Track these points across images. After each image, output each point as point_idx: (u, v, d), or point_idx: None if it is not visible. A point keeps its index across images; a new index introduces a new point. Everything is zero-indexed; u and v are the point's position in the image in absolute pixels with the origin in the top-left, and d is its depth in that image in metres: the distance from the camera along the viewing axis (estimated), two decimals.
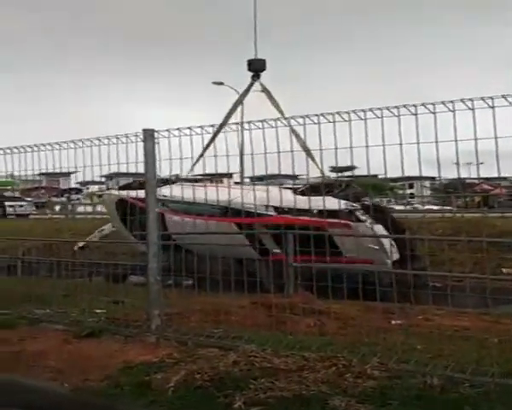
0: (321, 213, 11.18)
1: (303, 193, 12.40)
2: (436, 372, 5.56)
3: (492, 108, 5.93)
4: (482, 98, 5.97)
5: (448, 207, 33.54)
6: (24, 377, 5.67)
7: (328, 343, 6.68)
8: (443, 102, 6.18)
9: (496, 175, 7.49)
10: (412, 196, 78.88)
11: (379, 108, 6.52)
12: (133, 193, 13.21)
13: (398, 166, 6.86)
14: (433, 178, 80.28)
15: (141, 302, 8.49)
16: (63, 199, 53.81)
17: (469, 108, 5.99)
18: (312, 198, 10.51)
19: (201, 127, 8.17)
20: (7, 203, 44.02)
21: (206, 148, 11.59)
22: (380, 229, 13.21)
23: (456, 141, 6.23)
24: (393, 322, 7.95)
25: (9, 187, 36.01)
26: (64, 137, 9.05)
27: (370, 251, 12.97)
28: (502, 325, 7.92)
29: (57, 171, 9.58)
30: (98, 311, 8.75)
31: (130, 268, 13.96)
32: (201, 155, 11.92)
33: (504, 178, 43.21)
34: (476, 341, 6.86)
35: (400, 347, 6.38)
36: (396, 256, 13.54)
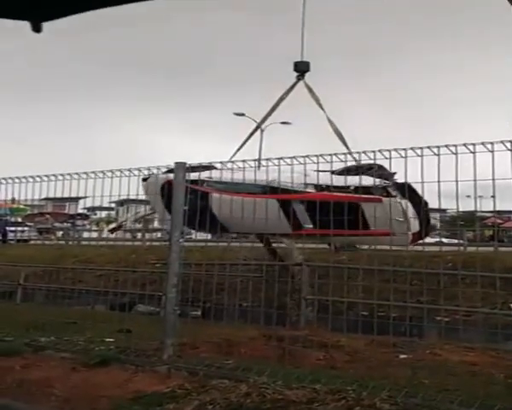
0: (356, 189, 13.63)
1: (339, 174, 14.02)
2: (443, 407, 5.65)
3: (492, 151, 6.34)
4: (483, 143, 6.36)
5: (458, 241, 33.57)
6: (23, 404, 5.75)
7: (338, 377, 6.75)
8: (464, 145, 6.74)
9: (507, 209, 7.68)
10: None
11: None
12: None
13: None
14: (443, 211, 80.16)
15: (150, 332, 8.56)
16: (67, 225, 53.52)
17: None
18: (348, 177, 12.99)
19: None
20: (8, 228, 43.85)
21: (248, 137, 17.22)
22: (406, 203, 14.52)
23: (475, 181, 6.69)
24: (401, 356, 8.03)
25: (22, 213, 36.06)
26: (87, 164, 9.28)
27: (395, 223, 14.16)
28: (508, 361, 7.98)
29: (65, 196, 9.80)
30: (107, 339, 8.80)
31: (137, 297, 14.08)
32: (244, 144, 17.05)
33: None
34: (483, 376, 6.94)
35: (408, 381, 6.46)
36: (417, 228, 15.44)
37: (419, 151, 6.97)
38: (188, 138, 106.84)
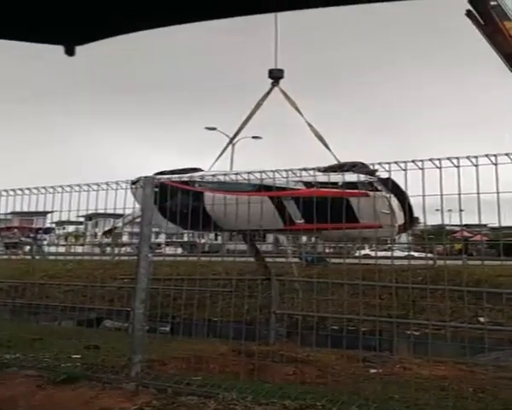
0: (345, 184, 14.49)
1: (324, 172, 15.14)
2: None
3: (476, 166, 6.41)
4: (468, 157, 6.42)
5: (429, 255, 33.77)
6: None
7: (307, 392, 6.70)
8: (449, 158, 6.76)
9: (476, 222, 7.74)
10: (394, 241, 79.19)
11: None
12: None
13: None
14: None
15: (117, 348, 8.45)
16: (28, 239, 53.01)
17: (437, 167, 6.53)
18: (337, 174, 14.40)
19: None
20: None
21: (226, 147, 19.06)
22: (392, 197, 15.88)
23: (441, 195, 6.71)
24: (372, 371, 7.99)
25: None
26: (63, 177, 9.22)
27: (382, 216, 15.33)
28: (477, 375, 7.98)
29: (32, 210, 9.70)
30: (73, 356, 8.65)
31: (105, 313, 13.95)
32: (221, 154, 18.66)
33: (484, 226, 43.48)
34: (452, 390, 6.92)
35: (378, 396, 6.42)
36: (402, 220, 16.42)
37: (403, 165, 7.01)
38: (159, 153, 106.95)
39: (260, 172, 9.44)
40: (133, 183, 17.61)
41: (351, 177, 15.89)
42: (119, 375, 7.59)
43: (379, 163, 7.25)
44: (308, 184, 16.30)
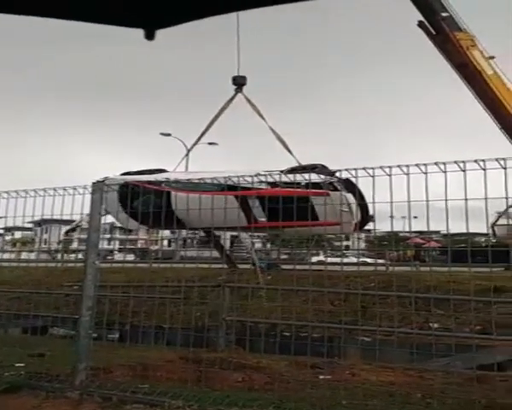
0: (307, 185, 15.87)
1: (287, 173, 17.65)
2: None
3: (425, 173, 6.51)
4: (399, 166, 6.53)
5: (381, 261, 34.02)
6: None
7: (255, 399, 6.62)
8: (417, 165, 6.79)
9: (428, 229, 7.80)
10: (348, 248, 79.79)
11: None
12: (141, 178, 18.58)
13: None
14: (368, 231, 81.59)
15: (63, 356, 8.28)
16: None
17: (405, 173, 6.59)
18: (300, 175, 16.24)
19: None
20: None
21: (191, 148, 21.74)
22: (350, 197, 16.88)
23: (391, 203, 6.89)
24: (321, 377, 7.93)
25: None
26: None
27: (340, 213, 16.75)
28: (426, 381, 7.99)
29: None
30: (17, 364, 8.44)
31: (52, 320, 13.73)
32: (186, 155, 21.89)
33: (436, 232, 43.97)
34: (400, 396, 6.90)
35: (326, 402, 6.37)
36: (359, 218, 18.56)
37: (371, 171, 7.05)
38: (115, 158, 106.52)
39: (226, 177, 9.80)
40: (98, 182, 18.29)
41: (312, 178, 17.09)
42: (64, 383, 7.42)
43: (346, 169, 7.26)
44: (272, 184, 17.84)
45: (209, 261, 29.67)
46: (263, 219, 18.14)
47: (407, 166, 6.73)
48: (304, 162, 21.63)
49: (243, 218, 16.80)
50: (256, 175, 15.83)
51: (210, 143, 47.59)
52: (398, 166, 6.80)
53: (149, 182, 17.44)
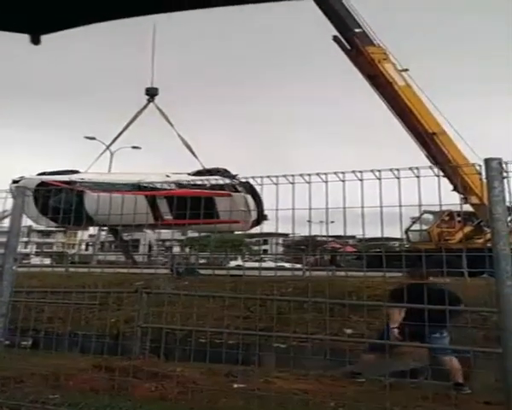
0: (212, 187, 17.28)
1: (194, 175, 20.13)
2: None
3: (343, 181, 6.67)
4: (335, 172, 6.67)
5: (299, 265, 34.36)
6: None
7: (168, 408, 6.58)
8: (318, 174, 7.00)
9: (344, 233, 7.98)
10: (266, 252, 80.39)
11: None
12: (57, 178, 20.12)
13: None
14: (286, 235, 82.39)
15: None
16: None
17: (323, 181, 6.76)
18: (204, 177, 16.40)
19: None
20: None
21: (103, 152, 23.74)
22: (249, 197, 19.68)
23: (310, 210, 6.92)
24: (236, 385, 7.94)
25: None
26: None
27: (240, 213, 19.38)
28: (339, 388, 8.08)
29: None
30: None
31: None
32: (98, 158, 22.42)
33: (352, 237, 44.67)
34: (314, 404, 6.96)
35: None
36: (255, 217, 20.04)
37: (275, 179, 7.23)
38: (38, 161, 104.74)
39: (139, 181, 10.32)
40: (14, 181, 19.40)
41: (216, 180, 17.62)
42: None
43: (252, 177, 7.41)
44: (180, 185, 19.09)
45: (127, 266, 29.47)
46: (168, 217, 19.61)
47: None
48: (209, 166, 23.18)
49: (150, 216, 19.09)
50: (160, 181, 20.05)
51: (134, 147, 48.88)
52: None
53: (63, 181, 18.81)
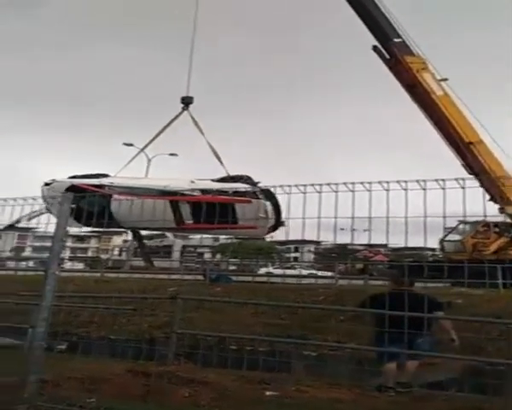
0: (234, 193, 19.23)
1: (218, 182, 21.08)
2: None
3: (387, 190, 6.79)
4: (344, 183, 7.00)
5: (330, 273, 34.32)
6: None
7: None
8: (344, 183, 7.14)
9: (378, 242, 8.05)
10: (296, 259, 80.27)
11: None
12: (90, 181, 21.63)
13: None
14: (318, 243, 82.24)
15: (11, 367, 8.19)
16: None
17: (367, 190, 6.90)
18: (227, 184, 19.35)
19: None
20: None
21: (134, 157, 24.48)
22: (268, 204, 20.39)
23: (352, 218, 6.97)
24: (268, 393, 8.00)
25: None
26: None
27: (259, 218, 20.16)
28: (371, 399, 8.10)
29: None
30: None
31: None
32: (128, 163, 23.06)
33: (385, 246, 44.52)
34: None
35: None
36: (273, 222, 20.82)
37: (302, 188, 7.33)
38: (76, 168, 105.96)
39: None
40: (46, 184, 20.08)
41: (238, 187, 20.03)
42: (12, 396, 7.33)
43: (280, 186, 7.54)
44: (204, 192, 20.67)
45: (160, 272, 29.76)
46: (189, 222, 21.05)
47: (369, 183, 7.01)
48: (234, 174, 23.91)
49: (172, 220, 20.25)
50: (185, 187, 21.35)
51: (171, 154, 49.55)
52: (344, 183, 7.05)
53: (93, 185, 19.54)
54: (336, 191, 7.06)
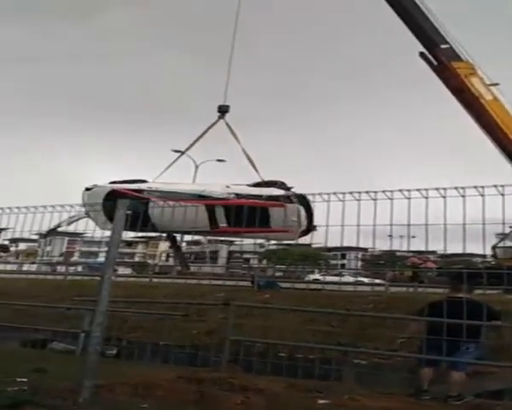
0: (268, 197, 20.33)
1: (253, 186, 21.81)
2: None
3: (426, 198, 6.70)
4: (400, 190, 7.17)
5: (377, 280, 34.10)
6: None
7: None
8: (383, 191, 7.36)
9: (425, 249, 8.01)
10: (343, 266, 79.92)
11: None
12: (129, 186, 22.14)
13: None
14: (365, 250, 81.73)
15: (65, 371, 8.28)
16: None
17: (406, 198, 6.84)
18: (262, 188, 20.95)
19: None
20: None
21: (173, 162, 24.46)
22: (301, 209, 20.78)
23: (391, 225, 6.92)
24: (320, 401, 7.96)
25: None
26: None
27: (291, 222, 20.51)
28: (425, 408, 8.01)
29: None
30: (18, 379, 8.39)
31: (52, 334, 13.79)
32: (168, 167, 23.91)
33: (433, 252, 44.03)
34: None
35: None
36: (305, 226, 21.03)
37: (341, 196, 7.34)
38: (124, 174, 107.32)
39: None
40: (87, 189, 21.09)
41: (272, 191, 21.15)
42: (67, 401, 7.40)
43: (327, 193, 7.60)
44: (239, 196, 21.23)
45: (207, 277, 29.95)
46: (223, 225, 21.55)
47: (408, 190, 7.01)
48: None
49: (207, 223, 21.04)
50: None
51: (218, 160, 49.84)
52: (400, 190, 7.04)
53: (132, 189, 20.22)
54: (391, 198, 7.08)
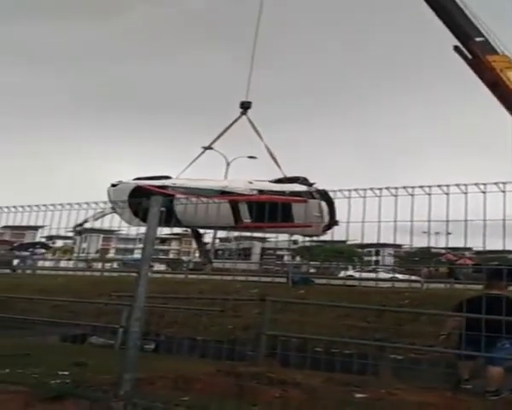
0: (291, 193, 20.56)
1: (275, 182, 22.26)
2: None
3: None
4: (439, 185, 7.05)
5: (413, 277, 33.94)
6: None
7: None
8: (421, 186, 7.13)
9: (461, 245, 7.93)
10: (377, 263, 79.51)
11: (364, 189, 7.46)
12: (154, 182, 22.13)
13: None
14: (399, 246, 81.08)
15: (105, 365, 8.38)
16: (25, 253, 52.46)
17: (445, 193, 6.82)
18: (284, 184, 21.30)
19: None
20: None
21: (196, 158, 24.60)
22: (323, 204, 21.12)
23: (429, 221, 6.98)
24: (358, 395, 8.00)
25: None
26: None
27: (314, 218, 20.80)
28: (463, 403, 7.99)
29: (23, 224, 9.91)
30: (60, 373, 8.54)
31: (91, 329, 13.97)
32: (192, 163, 24.11)
33: (469, 249, 43.69)
34: None
35: None
36: (327, 220, 21.16)
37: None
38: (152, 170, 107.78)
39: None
40: (113, 185, 21.36)
41: (294, 187, 21.37)
42: (108, 393, 7.50)
43: (370, 188, 7.55)
44: (261, 192, 21.50)
45: (239, 273, 30.09)
46: (247, 220, 21.58)
47: (447, 185, 6.95)
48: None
49: (231, 218, 21.07)
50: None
51: (250, 157, 50.06)
52: (439, 186, 7.00)
53: (156, 186, 21.64)
54: (429, 194, 7.02)
